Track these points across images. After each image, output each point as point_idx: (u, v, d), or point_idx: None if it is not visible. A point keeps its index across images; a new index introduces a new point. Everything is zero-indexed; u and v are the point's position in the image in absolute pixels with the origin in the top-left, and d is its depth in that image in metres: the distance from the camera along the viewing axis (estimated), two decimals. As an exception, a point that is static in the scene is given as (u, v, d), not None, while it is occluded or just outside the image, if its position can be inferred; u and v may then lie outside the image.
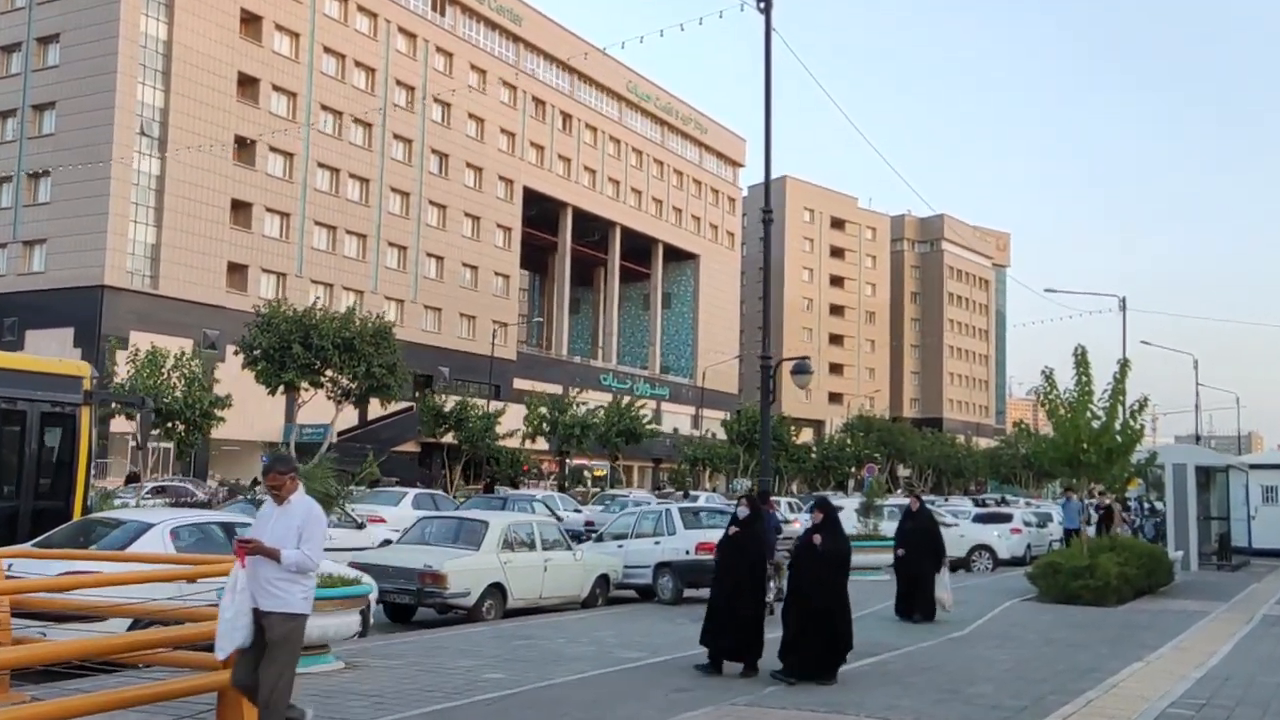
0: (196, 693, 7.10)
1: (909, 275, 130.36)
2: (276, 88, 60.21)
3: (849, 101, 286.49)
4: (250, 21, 59.16)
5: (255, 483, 35.68)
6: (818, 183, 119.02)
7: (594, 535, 21.24)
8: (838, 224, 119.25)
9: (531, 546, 16.02)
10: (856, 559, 22.13)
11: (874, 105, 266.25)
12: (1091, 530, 20.60)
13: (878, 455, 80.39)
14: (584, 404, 60.20)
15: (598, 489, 56.92)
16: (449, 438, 55.17)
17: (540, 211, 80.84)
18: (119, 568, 8.90)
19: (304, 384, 39.14)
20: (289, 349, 37.53)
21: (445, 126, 70.67)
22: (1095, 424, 18.88)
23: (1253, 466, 31.03)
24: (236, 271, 57.75)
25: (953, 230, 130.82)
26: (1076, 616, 15.96)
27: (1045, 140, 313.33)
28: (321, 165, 62.57)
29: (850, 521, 24.78)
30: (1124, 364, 19.86)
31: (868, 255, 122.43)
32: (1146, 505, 36.12)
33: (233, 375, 45.78)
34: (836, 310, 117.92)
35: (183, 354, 39.95)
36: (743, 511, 10.90)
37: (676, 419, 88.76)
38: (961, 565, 25.99)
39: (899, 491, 61.55)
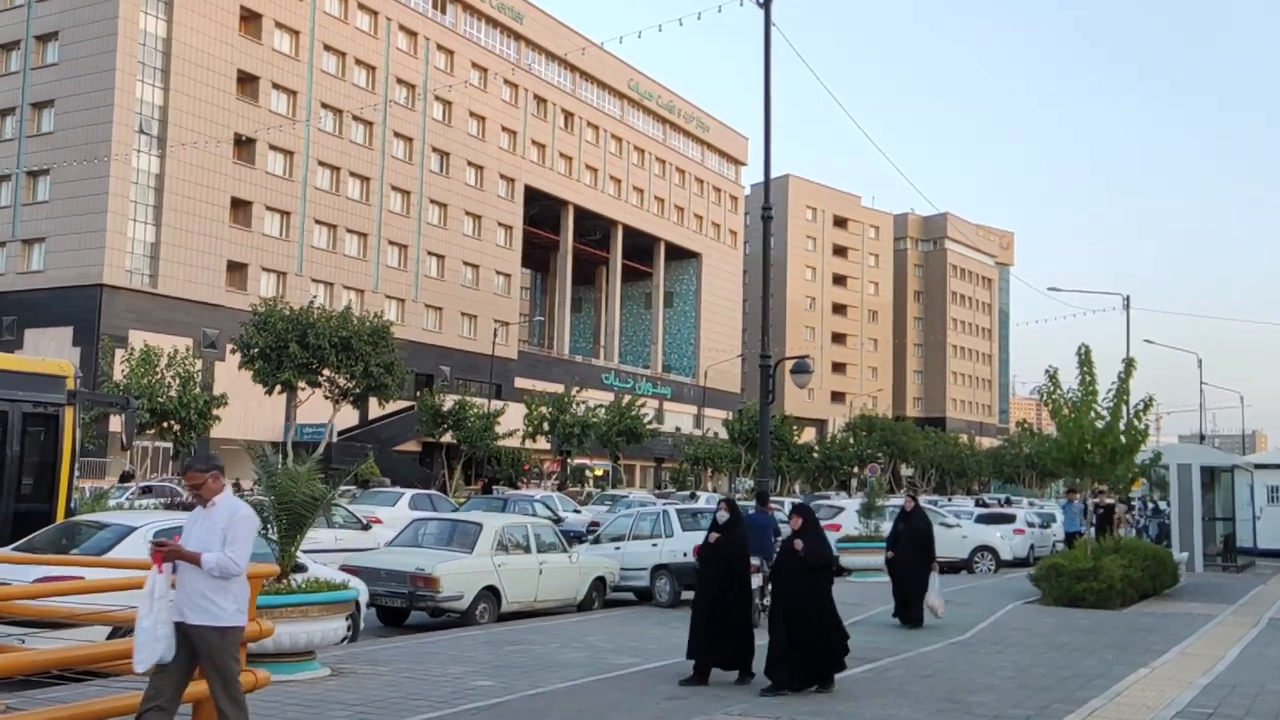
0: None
1: (912, 274, 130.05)
2: (276, 85, 60.02)
3: (852, 100, 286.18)
4: (250, 19, 58.98)
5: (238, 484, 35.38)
6: (821, 181, 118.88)
7: (592, 537, 21.00)
8: (840, 222, 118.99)
9: (526, 549, 15.78)
10: (857, 560, 22.15)
11: (877, 104, 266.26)
12: (1092, 532, 20.31)
13: (880, 455, 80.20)
14: (584, 403, 60.00)
15: (598, 489, 56.70)
16: (448, 437, 54.98)
17: (542, 210, 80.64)
18: (100, 573, 8.67)
19: (301, 383, 38.94)
20: (285, 348, 37.33)
21: (446, 125, 70.45)
22: (1099, 424, 18.65)
23: (1258, 466, 30.75)
24: (236, 270, 57.55)
25: (956, 229, 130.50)
26: (1080, 620, 15.71)
27: (1049, 139, 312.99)
28: (322, 163, 62.37)
29: (851, 522, 24.58)
30: (1128, 363, 19.60)
31: (871, 254, 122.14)
32: (1151, 506, 35.86)
33: (233, 375, 45.64)
34: (839, 309, 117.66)
35: (175, 352, 39.69)
36: (722, 516, 10.60)
37: (679, 418, 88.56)
38: (964, 566, 25.74)
39: (902, 491, 61.30)
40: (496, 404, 57.72)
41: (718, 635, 10.06)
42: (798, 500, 13.36)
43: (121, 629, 8.65)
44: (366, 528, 20.48)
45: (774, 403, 20.64)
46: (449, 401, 54.90)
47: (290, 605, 9.61)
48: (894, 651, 12.37)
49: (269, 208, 59.51)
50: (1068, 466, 19.57)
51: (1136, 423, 19.12)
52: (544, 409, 57.85)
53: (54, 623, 8.17)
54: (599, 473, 68.18)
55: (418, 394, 58.29)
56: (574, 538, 22.36)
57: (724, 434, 70.85)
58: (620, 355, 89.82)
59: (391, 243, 66.46)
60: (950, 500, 51.50)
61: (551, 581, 15.95)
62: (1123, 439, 18.84)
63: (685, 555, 17.31)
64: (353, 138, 64.15)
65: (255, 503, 11.07)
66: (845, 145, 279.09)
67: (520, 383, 71.47)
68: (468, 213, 72.04)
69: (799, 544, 10.00)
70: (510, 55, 76.40)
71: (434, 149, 69.49)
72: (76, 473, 13.71)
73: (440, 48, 70.65)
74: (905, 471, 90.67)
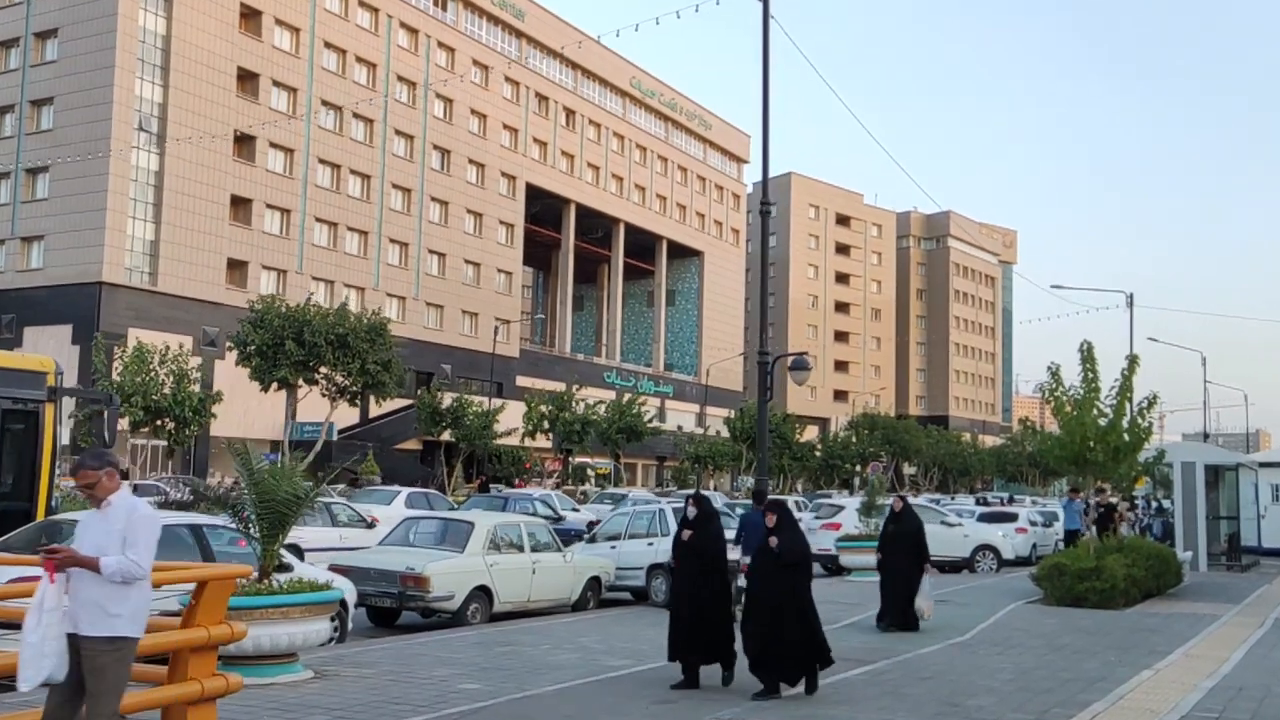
0: (140, 710, 6.62)
1: (915, 272, 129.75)
2: (277, 83, 59.82)
3: (855, 98, 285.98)
4: (250, 16, 58.79)
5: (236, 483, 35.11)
6: (823, 179, 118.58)
7: (588, 536, 20.76)
8: (843, 220, 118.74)
9: (519, 548, 15.54)
10: (856, 559, 21.86)
11: (878, 103, 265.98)
12: (1092, 531, 20.04)
13: (883, 454, 79.95)
14: (584, 401, 59.76)
15: (599, 487, 56.46)
16: (447, 435, 54.76)
17: (543, 208, 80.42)
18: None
19: (298, 381, 38.71)
20: (282, 345, 37.10)
21: (447, 122, 70.23)
22: (1102, 421, 18.41)
23: (1262, 465, 30.48)
24: (236, 268, 57.36)
25: (959, 227, 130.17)
26: (1083, 620, 15.45)
27: (1053, 137, 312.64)
28: (322, 161, 62.17)
29: (851, 521, 24.33)
30: (1131, 360, 19.35)
31: (873, 252, 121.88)
32: (1154, 504, 35.59)
33: (233, 373, 45.43)
34: (842, 307, 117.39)
35: (166, 349, 39.37)
36: (691, 512, 10.20)
37: (681, 416, 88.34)
38: (965, 566, 25.51)
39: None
40: (495, 402, 57.49)
41: (694, 633, 9.81)
42: (773, 497, 13.02)
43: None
44: (371, 526, 20.35)
45: (775, 401, 20.41)
46: (447, 399, 54.66)
47: (270, 606, 9.36)
48: (891, 653, 12.10)
49: (269, 205, 59.31)
50: (1070, 464, 19.34)
51: (1140, 420, 18.88)
52: (544, 407, 57.59)
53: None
54: (602, 471, 67.99)
55: (418, 392, 58.08)
56: (574, 536, 22.15)
57: (726, 432, 70.65)
58: (622, 353, 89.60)
59: (392, 240, 66.24)
60: (953, 499, 51.18)
61: (545, 581, 15.71)
62: (1126, 436, 18.61)
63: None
64: (353, 135, 63.94)
65: (237, 500, 10.87)
66: (847, 144, 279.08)
67: (522, 381, 71.26)
68: (469, 210, 71.82)
69: (774, 540, 9.76)
70: (512, 53, 76.16)
71: (435, 146, 69.28)
72: (59, 470, 13.48)
73: (441, 45, 70.42)
74: (908, 470, 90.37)
